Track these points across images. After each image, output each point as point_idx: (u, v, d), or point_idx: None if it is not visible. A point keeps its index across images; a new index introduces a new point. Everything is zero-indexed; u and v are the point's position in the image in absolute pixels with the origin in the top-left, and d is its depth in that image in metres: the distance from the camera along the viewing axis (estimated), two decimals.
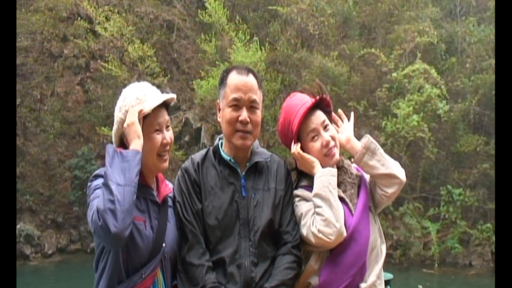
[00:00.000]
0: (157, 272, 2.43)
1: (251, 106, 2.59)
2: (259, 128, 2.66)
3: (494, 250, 14.65)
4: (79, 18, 16.28)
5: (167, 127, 2.49)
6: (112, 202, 2.16)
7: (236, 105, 2.56)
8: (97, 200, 2.24)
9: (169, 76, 16.17)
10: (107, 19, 15.01)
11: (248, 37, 14.66)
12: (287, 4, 15.65)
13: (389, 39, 16.97)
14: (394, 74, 15.36)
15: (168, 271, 2.51)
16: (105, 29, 14.94)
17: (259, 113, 2.63)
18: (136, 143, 2.33)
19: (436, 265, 14.40)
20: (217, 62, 14.30)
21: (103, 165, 2.34)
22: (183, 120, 17.51)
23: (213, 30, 15.64)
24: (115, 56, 15.90)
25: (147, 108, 2.37)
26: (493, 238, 14.57)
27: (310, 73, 14.56)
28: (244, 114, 2.55)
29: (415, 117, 14.59)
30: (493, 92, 15.32)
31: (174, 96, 2.51)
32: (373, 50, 15.85)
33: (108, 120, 16.81)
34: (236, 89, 2.56)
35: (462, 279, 13.98)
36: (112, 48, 15.60)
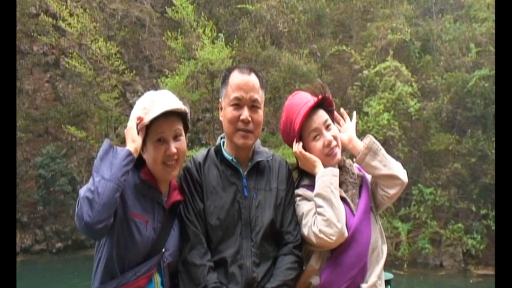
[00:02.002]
0: (153, 273, 2.43)
1: (253, 105, 2.59)
2: (261, 128, 2.66)
3: (465, 250, 14.54)
4: (42, 14, 15.94)
5: (176, 136, 2.48)
6: (92, 192, 2.19)
7: (238, 104, 2.57)
8: None
9: (134, 72, 15.96)
10: (71, 15, 14.72)
11: (215, 34, 14.43)
12: (257, 0, 15.43)
13: (363, 36, 16.79)
14: (366, 72, 15.15)
15: (167, 275, 2.49)
16: (70, 25, 14.65)
17: (260, 112, 2.63)
18: (130, 146, 2.36)
19: (405, 265, 14.21)
20: (182, 60, 14.06)
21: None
22: None
23: (183, 27, 15.42)
24: (83, 53, 15.66)
25: (147, 119, 2.40)
26: (465, 238, 14.45)
27: (279, 70, 14.35)
28: (245, 113, 2.56)
29: (385, 115, 14.40)
30: (465, 90, 15.21)
31: (178, 106, 2.47)
32: (344, 47, 15.63)
33: (77, 118, 16.57)
34: (238, 88, 2.57)
35: (431, 280, 13.82)
36: (79, 45, 15.31)
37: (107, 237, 2.40)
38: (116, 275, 2.37)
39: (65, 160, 15.45)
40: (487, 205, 14.67)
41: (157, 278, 2.45)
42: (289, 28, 15.24)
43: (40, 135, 16.73)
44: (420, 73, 16.70)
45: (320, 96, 2.70)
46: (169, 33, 14.65)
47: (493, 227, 14.25)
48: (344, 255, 2.57)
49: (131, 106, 17.80)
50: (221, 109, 2.67)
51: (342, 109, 2.94)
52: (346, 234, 2.54)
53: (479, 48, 16.09)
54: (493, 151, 14.53)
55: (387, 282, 3.35)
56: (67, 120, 15.90)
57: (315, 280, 2.59)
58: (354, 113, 2.98)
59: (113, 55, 14.87)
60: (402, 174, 2.70)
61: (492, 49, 16.55)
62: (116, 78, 14.96)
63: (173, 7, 14.72)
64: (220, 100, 2.69)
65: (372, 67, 15.29)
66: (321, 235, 2.50)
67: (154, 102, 2.44)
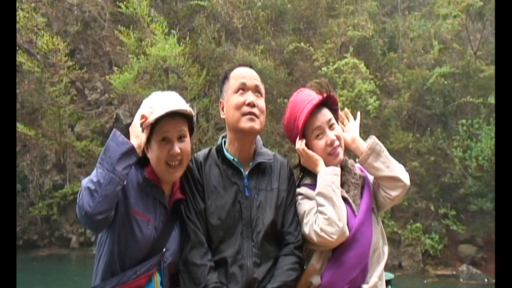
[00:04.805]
0: (153, 272, 2.45)
1: (256, 90, 2.64)
2: (265, 116, 2.67)
3: (424, 251, 14.34)
4: None
5: (180, 137, 2.51)
6: (94, 183, 2.22)
7: (242, 89, 2.61)
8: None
9: (93, 69, 15.61)
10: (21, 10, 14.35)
11: (167, 30, 14.14)
12: None
13: (324, 33, 16.53)
14: (324, 69, 14.86)
15: (167, 276, 2.50)
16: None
17: (263, 101, 2.67)
18: (133, 141, 2.39)
19: None
20: (130, 56, 13.77)
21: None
22: (114, 116, 17.02)
23: (140, 23, 15.13)
24: (38, 49, 15.28)
25: (152, 117, 2.42)
26: (423, 238, 14.23)
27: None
28: (250, 97, 2.59)
29: (342, 113, 14.11)
30: (425, 88, 14.98)
31: (183, 108, 2.50)
32: (302, 44, 15.33)
33: (31, 116, 16.21)
34: (241, 76, 2.63)
35: None
36: (31, 41, 14.92)
37: (108, 233, 2.42)
38: (117, 273, 2.39)
39: (16, 158, 15.09)
40: (446, 204, 14.49)
41: (157, 278, 2.47)
42: (244, 23, 14.95)
43: None
44: (383, 70, 16.51)
45: (325, 94, 2.70)
46: (121, 28, 14.32)
47: (452, 227, 14.09)
48: (345, 256, 2.58)
49: (89, 103, 17.54)
50: (223, 108, 2.68)
51: (346, 109, 2.97)
52: (347, 233, 2.55)
53: (442, 45, 15.92)
54: (453, 149, 14.36)
55: (388, 282, 3.35)
56: (21, 118, 15.52)
57: (316, 280, 2.59)
58: (358, 113, 2.98)
59: (61, 51, 14.51)
60: (404, 176, 2.71)
61: (457, 46, 16.39)
62: (66, 73, 14.61)
63: (125, 3, 14.41)
64: (221, 100, 2.71)
65: (331, 64, 15.03)
66: (322, 234, 2.51)
67: (160, 102, 2.47)
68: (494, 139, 13.44)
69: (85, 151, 15.64)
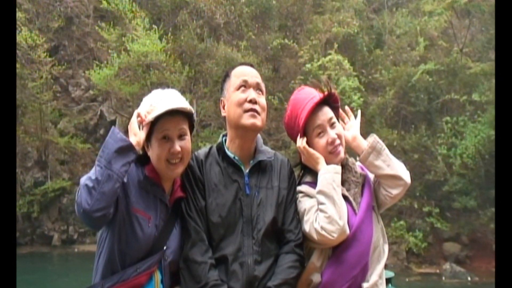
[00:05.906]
0: (154, 270, 2.43)
1: (258, 88, 2.62)
2: (266, 114, 2.65)
3: (408, 249, 14.28)
4: None
5: (181, 136, 2.49)
6: (92, 180, 2.21)
7: (244, 86, 2.60)
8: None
9: (65, 65, 15.43)
10: None
11: (148, 26, 14.00)
12: None
13: (309, 30, 16.43)
14: (308, 65, 14.76)
15: (167, 274, 2.49)
16: None
17: (264, 99, 2.65)
18: (132, 139, 2.37)
19: None
20: (110, 51, 13.63)
21: None
22: (99, 113, 16.90)
23: (123, 20, 14.97)
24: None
25: (152, 115, 2.41)
26: (407, 236, 14.16)
27: (216, 63, 13.96)
28: (252, 94, 2.57)
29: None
30: (409, 85, 14.89)
31: (183, 106, 2.47)
32: (286, 40, 15.22)
33: None
34: (243, 74, 2.63)
35: None
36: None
37: (108, 231, 2.41)
38: (117, 270, 2.38)
39: None
40: (430, 202, 14.40)
41: (157, 276, 2.45)
42: (227, 19, 14.82)
43: None
44: (369, 67, 16.41)
45: (326, 93, 2.68)
46: (103, 24, 14.16)
47: (436, 225, 14.02)
48: (346, 254, 2.57)
49: (73, 100, 17.35)
50: (224, 107, 2.67)
51: (346, 107, 2.93)
52: (348, 231, 2.54)
53: (428, 42, 15.84)
54: (437, 147, 14.28)
55: (388, 280, 3.34)
56: None
57: (316, 278, 2.58)
58: (359, 111, 2.98)
59: (40, 46, 14.32)
60: (405, 175, 2.69)
61: (443, 43, 16.30)
62: (48, 69, 14.46)
63: None
64: (222, 98, 2.69)
65: (316, 60, 14.92)
66: (323, 232, 2.50)
67: (160, 100, 2.45)
68: (478, 137, 13.38)
69: (67, 148, 15.51)
